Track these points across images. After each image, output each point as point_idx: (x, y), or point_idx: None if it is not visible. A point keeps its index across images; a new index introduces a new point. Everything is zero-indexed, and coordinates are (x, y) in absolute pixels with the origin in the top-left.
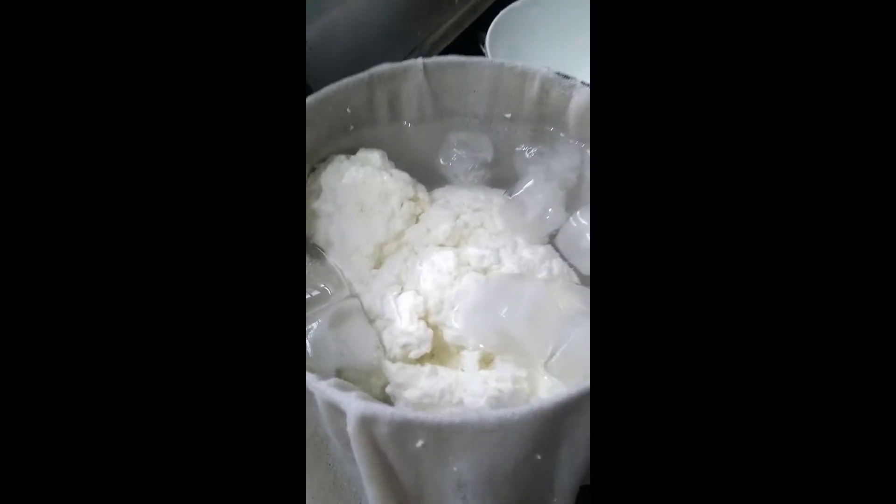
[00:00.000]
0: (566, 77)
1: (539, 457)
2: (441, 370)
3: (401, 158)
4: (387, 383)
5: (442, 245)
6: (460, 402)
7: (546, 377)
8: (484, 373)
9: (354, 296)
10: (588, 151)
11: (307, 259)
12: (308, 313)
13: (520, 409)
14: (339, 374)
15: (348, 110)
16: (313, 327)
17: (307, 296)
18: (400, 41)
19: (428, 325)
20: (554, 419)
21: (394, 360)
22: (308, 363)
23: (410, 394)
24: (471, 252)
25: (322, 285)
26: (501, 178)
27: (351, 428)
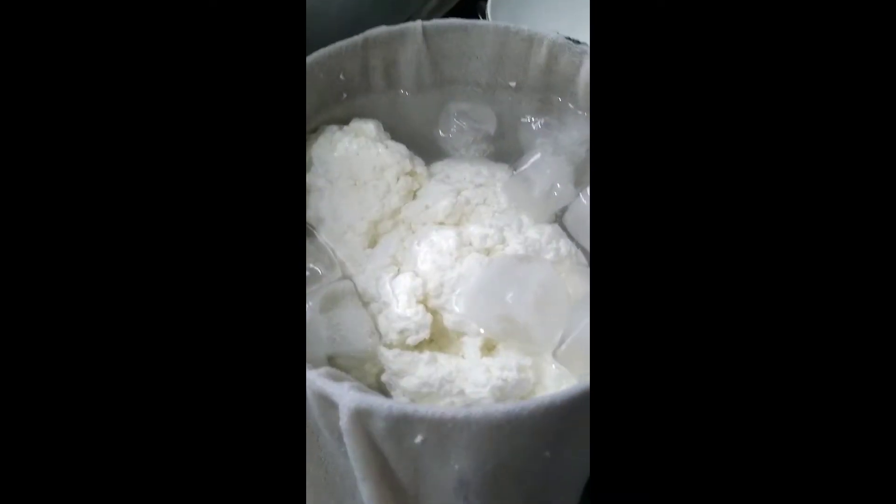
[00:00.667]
0: (576, 42)
1: (548, 453)
2: (441, 357)
3: (397, 129)
4: (382, 371)
5: (441, 223)
6: (461, 392)
7: (553, 365)
8: (486, 361)
9: (347, 277)
10: None
11: None
12: None
13: (529, 403)
14: (330, 360)
15: (341, 77)
16: None
17: None
18: (396, 7)
19: (427, 309)
20: (566, 414)
21: (390, 347)
22: None
23: (408, 382)
24: (473, 231)
25: (312, 265)
26: (505, 151)
27: (344, 422)
